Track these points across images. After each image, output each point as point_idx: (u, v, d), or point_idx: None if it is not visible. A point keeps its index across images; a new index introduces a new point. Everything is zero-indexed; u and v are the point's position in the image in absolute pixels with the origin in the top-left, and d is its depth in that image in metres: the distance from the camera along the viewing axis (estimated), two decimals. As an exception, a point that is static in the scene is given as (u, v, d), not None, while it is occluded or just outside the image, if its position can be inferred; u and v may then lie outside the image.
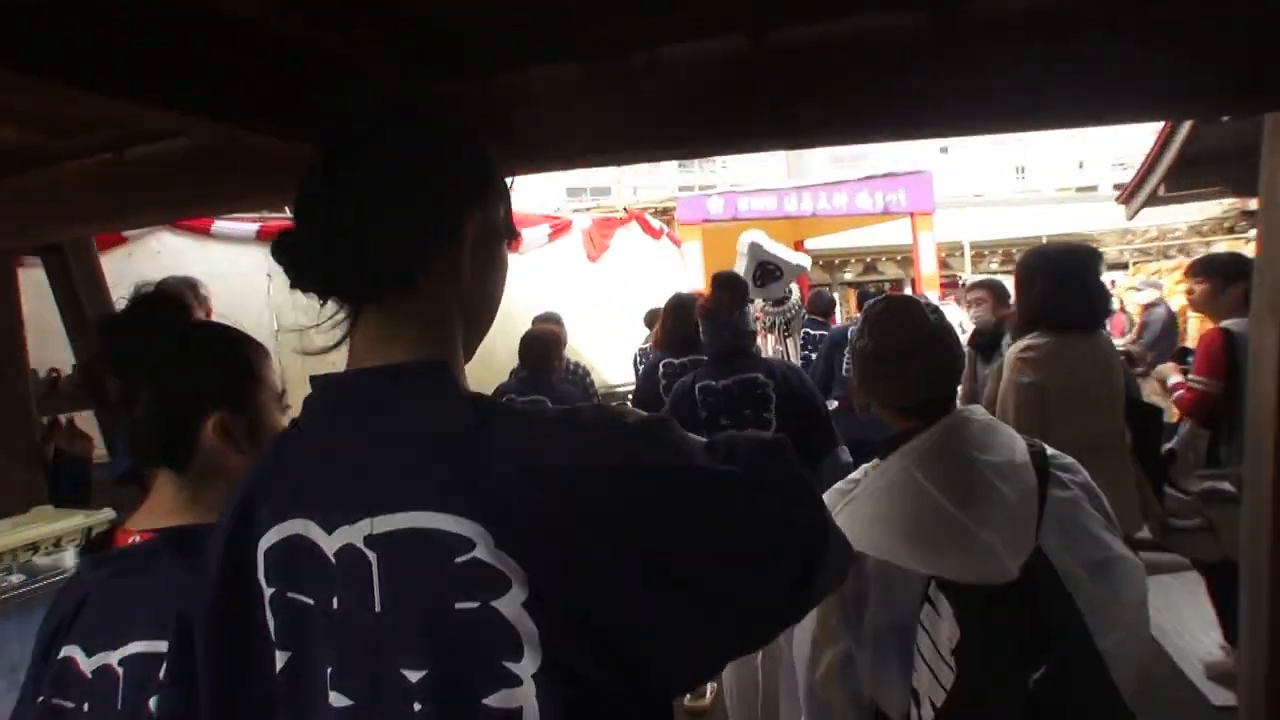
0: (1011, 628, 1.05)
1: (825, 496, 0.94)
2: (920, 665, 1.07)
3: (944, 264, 17.34)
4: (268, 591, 0.58)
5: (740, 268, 5.50)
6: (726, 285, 2.67)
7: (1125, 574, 1.12)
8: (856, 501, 1.16)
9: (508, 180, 0.68)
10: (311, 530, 0.56)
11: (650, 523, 0.50)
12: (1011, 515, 1.07)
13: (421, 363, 0.58)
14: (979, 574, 1.05)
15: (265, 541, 0.58)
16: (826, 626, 1.15)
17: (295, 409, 0.66)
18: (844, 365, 4.48)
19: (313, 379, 0.63)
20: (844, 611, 1.13)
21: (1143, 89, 1.31)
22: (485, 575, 0.49)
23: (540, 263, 6.43)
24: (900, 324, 1.22)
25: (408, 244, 0.59)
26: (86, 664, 0.79)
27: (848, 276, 25.77)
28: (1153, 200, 5.38)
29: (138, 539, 0.87)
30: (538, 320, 4.24)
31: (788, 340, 5.51)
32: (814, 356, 5.13)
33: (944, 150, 54.00)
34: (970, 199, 28.97)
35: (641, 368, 4.50)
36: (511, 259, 0.67)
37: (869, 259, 23.92)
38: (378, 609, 0.52)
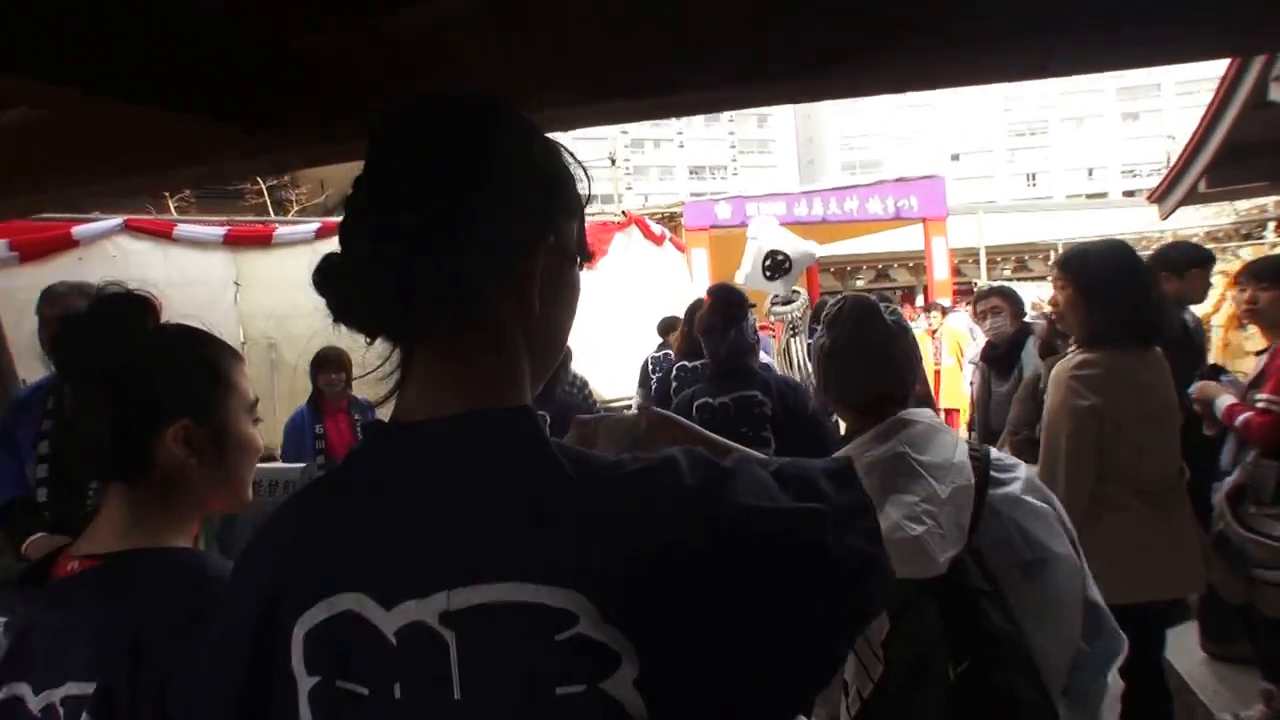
0: (937, 621, 1.07)
1: None
2: (850, 657, 1.09)
3: (956, 270, 16.90)
4: (308, 682, 0.49)
5: (748, 255, 5.51)
6: (720, 302, 2.59)
7: (1059, 575, 1.12)
8: None
9: (582, 191, 0.61)
10: (366, 606, 0.48)
11: (748, 572, 0.48)
12: (941, 511, 1.08)
13: (499, 410, 0.52)
14: (905, 568, 1.05)
15: (306, 621, 0.50)
16: None
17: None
18: None
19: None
20: None
21: (1205, 21, 0.98)
22: (592, 653, 0.44)
23: (528, 271, 6.08)
24: (853, 323, 1.26)
25: (470, 274, 0.52)
26: (34, 702, 0.74)
27: (860, 284, 25.41)
28: (1191, 197, 4.97)
29: (77, 565, 0.79)
30: None
31: (793, 341, 5.38)
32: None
33: (955, 157, 53.70)
34: (982, 205, 28.64)
35: (657, 374, 4.87)
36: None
37: (881, 266, 23.52)
38: (458, 696, 0.45)
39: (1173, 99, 56.22)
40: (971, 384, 4.02)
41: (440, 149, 0.53)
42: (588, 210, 0.64)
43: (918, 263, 21.12)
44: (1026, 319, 3.75)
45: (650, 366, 5.46)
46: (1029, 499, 1.15)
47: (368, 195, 0.54)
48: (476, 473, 0.49)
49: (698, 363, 3.14)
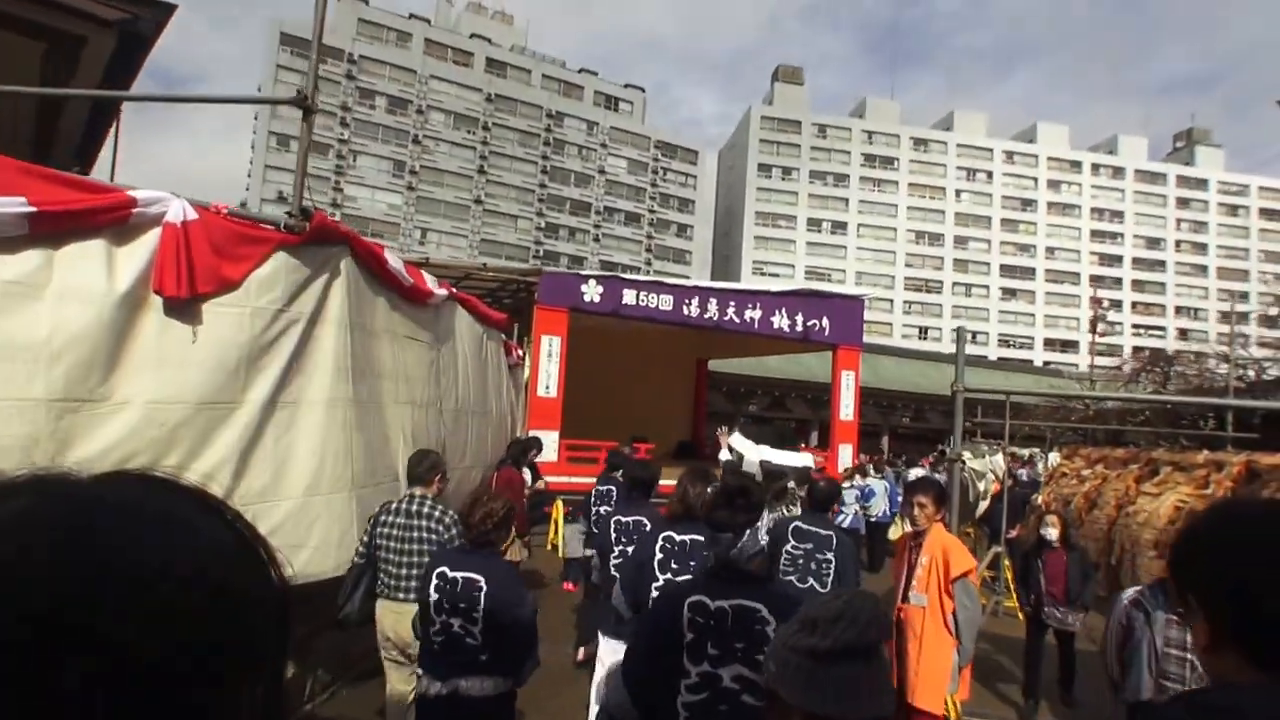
0: None
1: None
2: None
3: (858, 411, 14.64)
4: None
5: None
6: (735, 496, 2.24)
7: None
8: None
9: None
10: None
11: None
12: None
13: None
14: None
15: None
16: None
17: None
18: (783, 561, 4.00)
19: None
20: None
21: None
22: None
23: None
24: (855, 632, 1.16)
25: None
26: None
27: (753, 408, 23.20)
28: None
29: None
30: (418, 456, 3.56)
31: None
32: None
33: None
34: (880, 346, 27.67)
35: (601, 506, 5.33)
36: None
37: (777, 393, 21.48)
38: None
39: (1043, 285, 61.89)
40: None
41: None
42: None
43: (816, 395, 19.12)
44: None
45: (594, 499, 5.21)
46: None
47: None
48: None
49: (687, 537, 3.06)
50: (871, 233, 60.92)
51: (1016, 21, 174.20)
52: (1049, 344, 61.49)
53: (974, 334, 61.67)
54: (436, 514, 3.35)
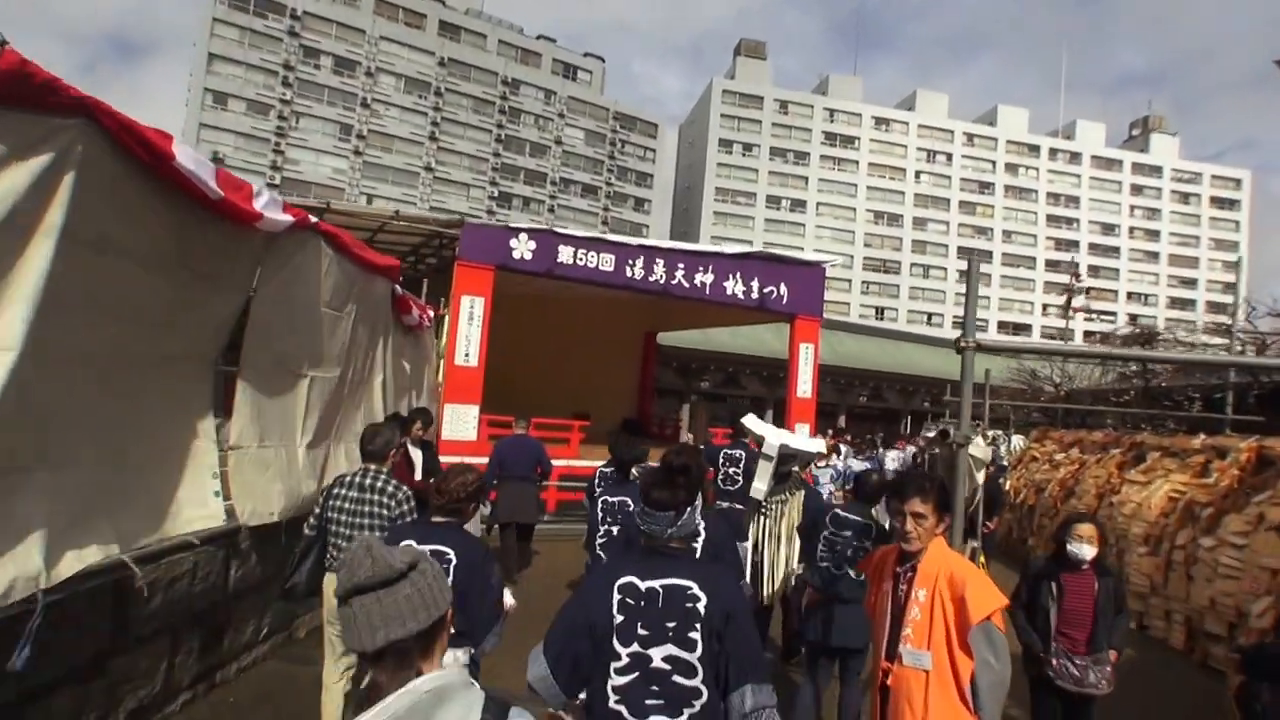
0: None
1: None
2: None
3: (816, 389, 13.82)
4: None
5: (762, 474, 4.98)
6: (675, 474, 2.24)
7: None
8: None
9: None
10: None
11: None
12: None
13: None
14: None
15: None
16: None
17: None
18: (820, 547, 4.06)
19: None
20: None
21: None
22: None
23: None
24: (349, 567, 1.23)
25: None
26: None
27: (705, 385, 22.28)
28: None
29: None
30: (369, 433, 3.63)
31: (763, 518, 5.10)
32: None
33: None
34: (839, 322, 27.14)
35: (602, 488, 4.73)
36: None
37: (731, 369, 20.53)
38: None
39: (999, 268, 62.70)
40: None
41: None
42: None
43: (771, 372, 18.31)
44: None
45: (598, 481, 5.00)
46: None
47: None
48: None
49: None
50: (831, 211, 60.54)
51: (980, 9, 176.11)
52: (1002, 326, 62.30)
53: (929, 315, 62.19)
54: (390, 489, 3.34)
